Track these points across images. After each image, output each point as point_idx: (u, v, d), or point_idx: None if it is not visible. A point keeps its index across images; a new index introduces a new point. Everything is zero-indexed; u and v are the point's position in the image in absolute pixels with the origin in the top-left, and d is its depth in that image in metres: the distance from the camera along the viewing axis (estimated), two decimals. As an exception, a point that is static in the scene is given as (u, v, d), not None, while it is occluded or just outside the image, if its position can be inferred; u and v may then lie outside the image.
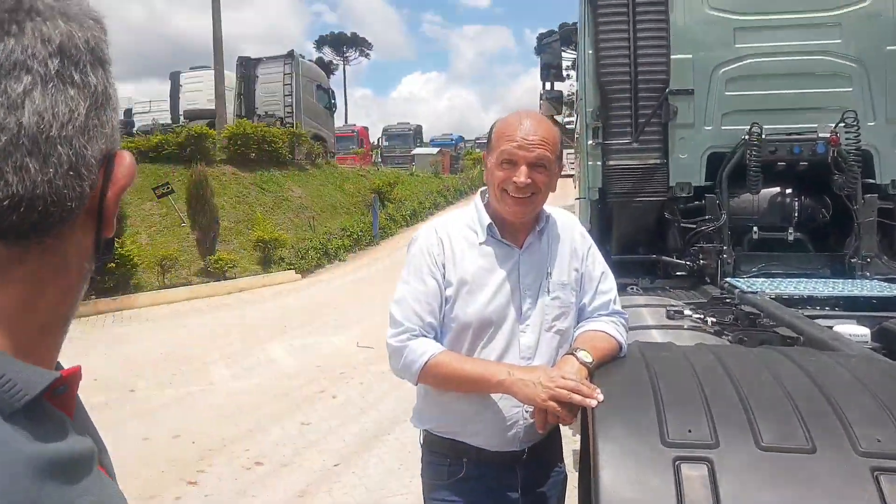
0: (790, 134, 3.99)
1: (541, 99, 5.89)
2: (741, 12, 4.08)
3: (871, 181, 3.98)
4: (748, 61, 4.08)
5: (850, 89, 4.01)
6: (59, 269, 0.60)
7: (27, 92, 0.52)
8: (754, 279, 3.76)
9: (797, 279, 3.76)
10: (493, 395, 1.79)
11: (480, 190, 1.97)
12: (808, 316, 2.81)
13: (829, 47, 4.02)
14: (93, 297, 10.18)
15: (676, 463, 1.33)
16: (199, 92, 24.62)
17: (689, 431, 1.38)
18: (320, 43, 59.85)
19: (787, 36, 4.05)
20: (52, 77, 0.53)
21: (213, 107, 20.32)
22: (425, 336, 1.81)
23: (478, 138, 42.70)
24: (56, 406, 0.58)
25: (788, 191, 4.09)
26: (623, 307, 3.42)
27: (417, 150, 33.86)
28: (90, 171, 0.57)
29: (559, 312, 1.87)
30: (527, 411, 1.79)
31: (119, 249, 10.89)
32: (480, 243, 1.86)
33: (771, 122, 3.97)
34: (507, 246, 1.87)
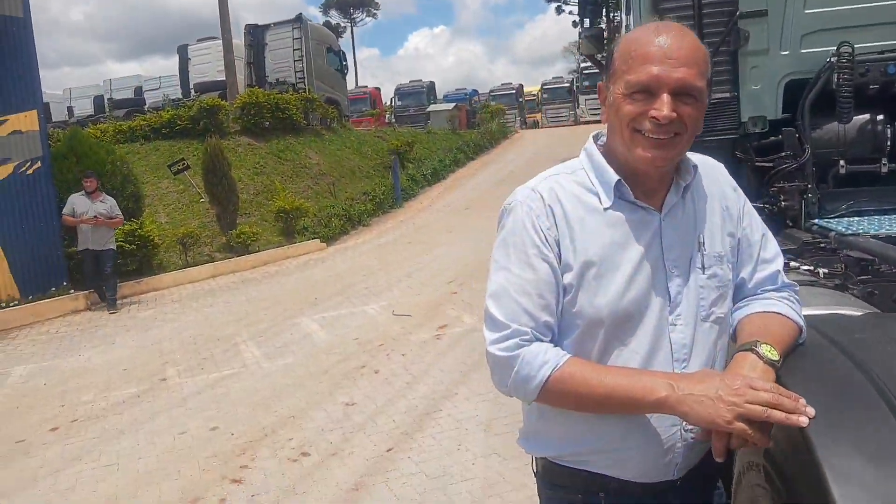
0: (883, 52, 3.49)
1: (579, 38, 5.41)
2: None
3: None
4: None
5: None
6: None
7: None
8: (845, 218, 3.37)
9: (894, 215, 3.35)
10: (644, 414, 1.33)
11: (592, 135, 1.43)
12: None
13: None
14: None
15: None
16: (208, 64, 24.33)
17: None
18: (326, 6, 59.03)
19: None
20: None
21: (224, 78, 19.87)
22: (541, 340, 1.31)
23: (492, 91, 41.95)
24: None
25: (880, 117, 3.60)
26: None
27: (433, 107, 33.09)
28: None
29: (717, 295, 1.38)
30: (686, 430, 1.33)
31: (139, 230, 10.64)
32: (606, 209, 1.34)
33: (861, 40, 3.48)
34: (642, 210, 1.35)
